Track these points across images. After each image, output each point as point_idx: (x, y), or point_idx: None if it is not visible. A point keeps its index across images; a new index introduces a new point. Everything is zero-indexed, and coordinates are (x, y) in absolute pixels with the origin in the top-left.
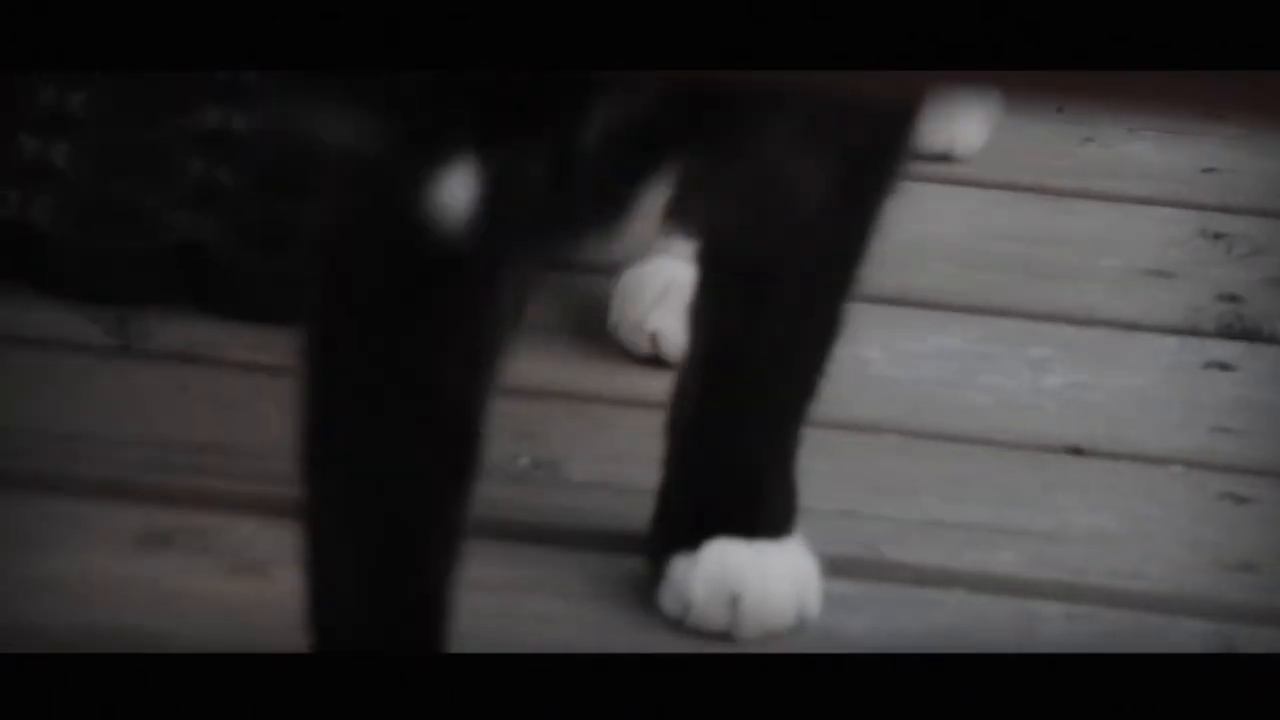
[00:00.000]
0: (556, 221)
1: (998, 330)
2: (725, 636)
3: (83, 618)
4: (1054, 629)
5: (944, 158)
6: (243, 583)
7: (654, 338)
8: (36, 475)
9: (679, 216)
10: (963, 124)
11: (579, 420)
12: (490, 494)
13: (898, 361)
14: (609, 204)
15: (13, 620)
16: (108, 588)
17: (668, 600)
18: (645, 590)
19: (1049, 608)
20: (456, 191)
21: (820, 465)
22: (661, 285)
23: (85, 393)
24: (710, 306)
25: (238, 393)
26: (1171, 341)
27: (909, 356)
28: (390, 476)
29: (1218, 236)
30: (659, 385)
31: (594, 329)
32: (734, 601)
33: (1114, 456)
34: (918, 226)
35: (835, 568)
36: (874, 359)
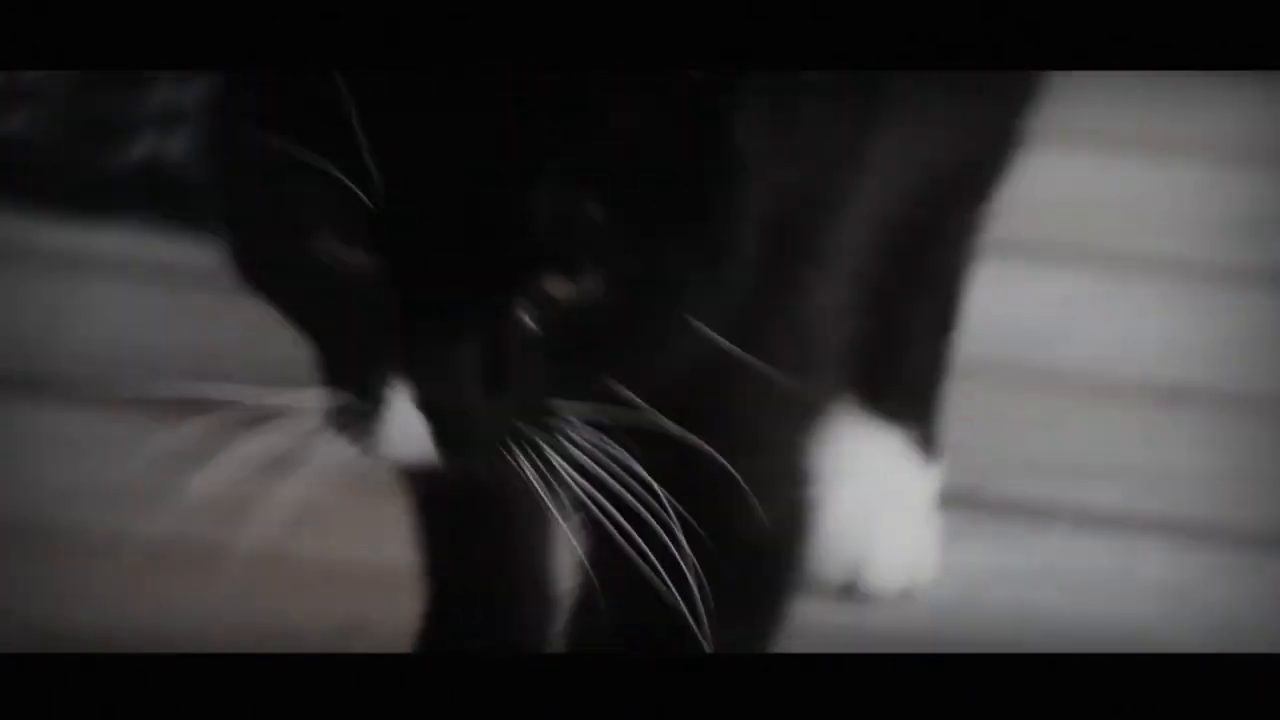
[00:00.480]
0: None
1: (1101, 275)
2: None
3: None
4: (1153, 563)
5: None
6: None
7: None
8: (178, 401)
9: None
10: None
11: None
12: None
13: (1005, 304)
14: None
15: (174, 534)
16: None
17: None
18: None
19: (1148, 543)
20: (405, 426)
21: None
22: None
23: (218, 321)
24: None
25: None
26: (1268, 289)
27: (1016, 299)
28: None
29: None
30: None
31: None
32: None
33: (1211, 398)
34: (1023, 176)
35: (941, 500)
36: (982, 301)
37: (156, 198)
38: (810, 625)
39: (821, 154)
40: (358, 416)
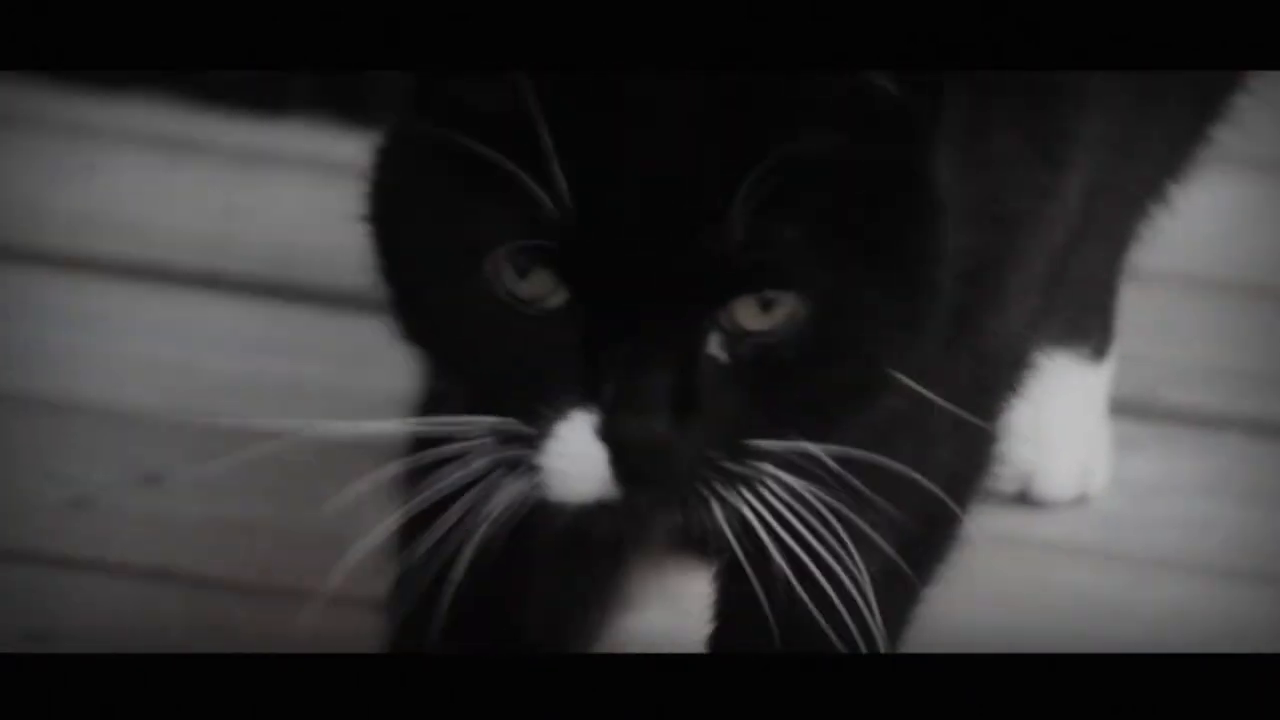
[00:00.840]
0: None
1: (1273, 183)
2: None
3: None
4: None
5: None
6: None
7: None
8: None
9: None
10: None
11: None
12: None
13: (1175, 213)
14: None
15: None
16: None
17: None
18: None
19: None
20: (583, 460)
21: None
22: None
23: None
24: None
25: None
26: None
27: (1188, 208)
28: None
29: None
30: None
31: None
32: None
33: None
34: None
35: (1115, 408)
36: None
37: (332, 95)
38: (983, 532)
39: (1013, 190)
40: (527, 449)
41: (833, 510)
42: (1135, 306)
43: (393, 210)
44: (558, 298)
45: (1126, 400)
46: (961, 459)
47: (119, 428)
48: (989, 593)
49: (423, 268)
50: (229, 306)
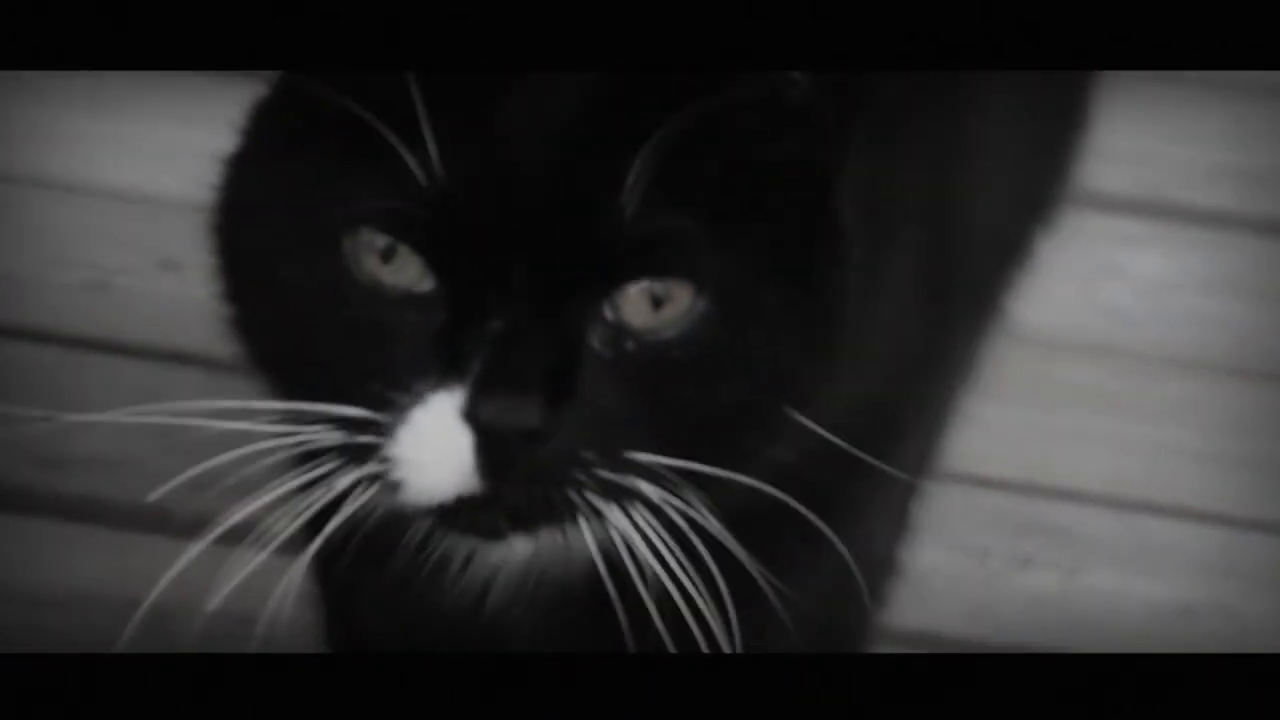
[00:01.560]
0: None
1: None
2: None
3: None
4: None
5: None
6: None
7: None
8: None
9: None
10: None
11: None
12: None
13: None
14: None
15: None
16: None
17: None
18: None
19: None
20: (441, 449)
21: (1114, 109)
22: None
23: None
24: None
25: None
26: None
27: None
28: None
29: None
30: None
31: None
32: None
33: None
34: None
35: (1124, 207)
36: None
37: None
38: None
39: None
40: (377, 437)
41: (712, 549)
42: (1144, 105)
43: (241, 198)
44: (424, 282)
45: (1135, 199)
46: (878, 517)
47: (138, 212)
48: (992, 386)
49: (273, 251)
50: (252, 93)
